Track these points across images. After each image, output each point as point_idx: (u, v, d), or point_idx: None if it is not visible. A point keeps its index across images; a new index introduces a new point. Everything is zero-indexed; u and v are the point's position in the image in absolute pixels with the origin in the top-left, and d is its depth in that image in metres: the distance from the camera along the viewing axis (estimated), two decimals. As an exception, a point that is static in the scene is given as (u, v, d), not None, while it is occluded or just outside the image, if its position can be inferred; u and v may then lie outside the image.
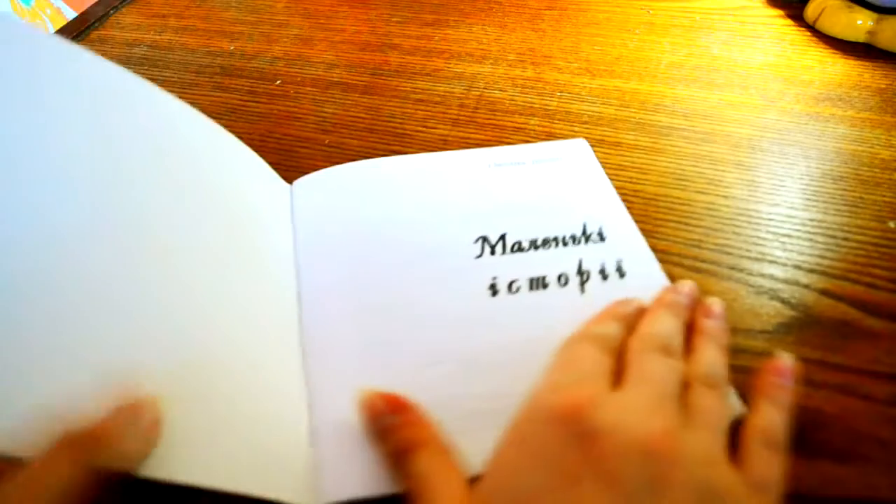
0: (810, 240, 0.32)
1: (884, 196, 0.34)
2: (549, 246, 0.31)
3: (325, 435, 0.24)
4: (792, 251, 0.31)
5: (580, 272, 0.30)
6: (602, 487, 0.18)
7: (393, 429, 0.23)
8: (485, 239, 0.31)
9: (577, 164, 0.37)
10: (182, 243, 0.25)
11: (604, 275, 0.30)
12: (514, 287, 0.29)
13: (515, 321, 0.28)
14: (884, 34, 0.45)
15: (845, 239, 0.32)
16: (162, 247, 0.24)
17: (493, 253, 0.31)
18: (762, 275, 0.30)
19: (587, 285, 0.29)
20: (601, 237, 0.32)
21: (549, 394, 0.21)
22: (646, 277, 0.30)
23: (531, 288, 0.29)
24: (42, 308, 0.20)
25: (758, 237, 0.32)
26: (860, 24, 0.46)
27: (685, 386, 0.22)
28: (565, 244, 0.31)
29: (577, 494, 0.18)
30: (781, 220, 0.33)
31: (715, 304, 0.26)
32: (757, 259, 0.31)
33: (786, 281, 0.30)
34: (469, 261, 0.31)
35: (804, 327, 0.28)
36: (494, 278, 0.30)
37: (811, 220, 0.33)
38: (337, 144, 0.39)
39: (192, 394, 0.22)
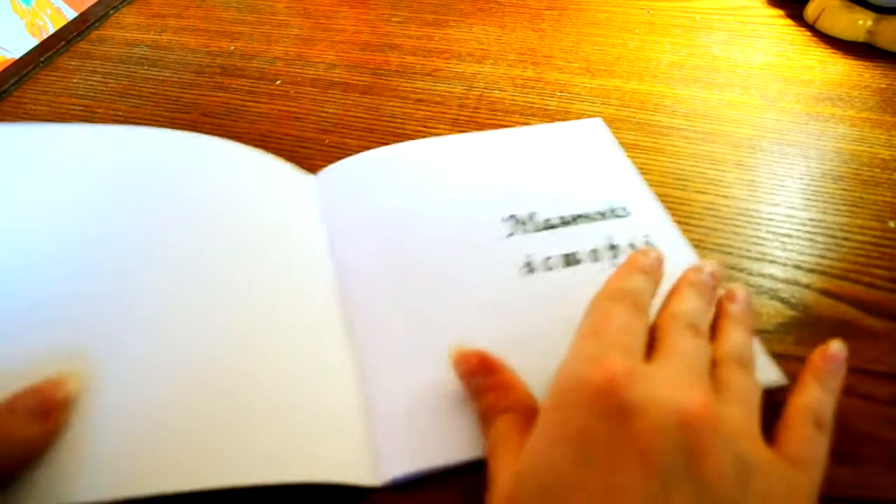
0: (810, 240, 0.32)
1: (884, 196, 0.34)
2: (578, 222, 0.31)
3: (380, 412, 0.24)
4: (792, 251, 0.31)
5: (612, 247, 0.30)
6: (638, 464, 0.17)
7: (483, 391, 0.23)
8: (514, 217, 0.32)
9: (594, 142, 0.37)
10: (211, 255, 0.27)
11: (633, 248, 0.30)
12: (548, 264, 0.29)
13: (551, 298, 0.28)
14: (884, 34, 0.45)
15: (845, 239, 0.32)
16: (197, 259, 0.27)
17: (524, 231, 0.31)
18: (762, 275, 0.30)
19: (618, 260, 0.30)
20: (626, 212, 0.32)
21: (581, 365, 0.20)
22: (673, 249, 0.30)
23: (565, 264, 0.29)
24: (92, 321, 0.23)
25: (758, 237, 0.32)
26: (860, 24, 0.46)
27: (714, 364, 0.22)
28: (593, 220, 0.31)
29: (612, 472, 0.17)
30: (781, 219, 0.33)
31: (739, 288, 0.26)
32: (757, 259, 0.31)
33: (786, 281, 0.30)
34: (501, 240, 0.31)
35: (804, 327, 0.28)
36: (528, 256, 0.30)
37: (811, 220, 0.33)
38: (337, 144, 0.39)
39: (233, 393, 0.22)
